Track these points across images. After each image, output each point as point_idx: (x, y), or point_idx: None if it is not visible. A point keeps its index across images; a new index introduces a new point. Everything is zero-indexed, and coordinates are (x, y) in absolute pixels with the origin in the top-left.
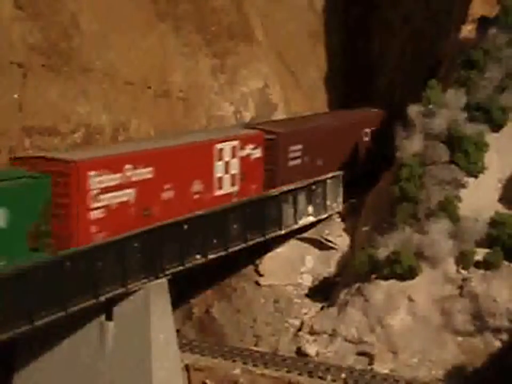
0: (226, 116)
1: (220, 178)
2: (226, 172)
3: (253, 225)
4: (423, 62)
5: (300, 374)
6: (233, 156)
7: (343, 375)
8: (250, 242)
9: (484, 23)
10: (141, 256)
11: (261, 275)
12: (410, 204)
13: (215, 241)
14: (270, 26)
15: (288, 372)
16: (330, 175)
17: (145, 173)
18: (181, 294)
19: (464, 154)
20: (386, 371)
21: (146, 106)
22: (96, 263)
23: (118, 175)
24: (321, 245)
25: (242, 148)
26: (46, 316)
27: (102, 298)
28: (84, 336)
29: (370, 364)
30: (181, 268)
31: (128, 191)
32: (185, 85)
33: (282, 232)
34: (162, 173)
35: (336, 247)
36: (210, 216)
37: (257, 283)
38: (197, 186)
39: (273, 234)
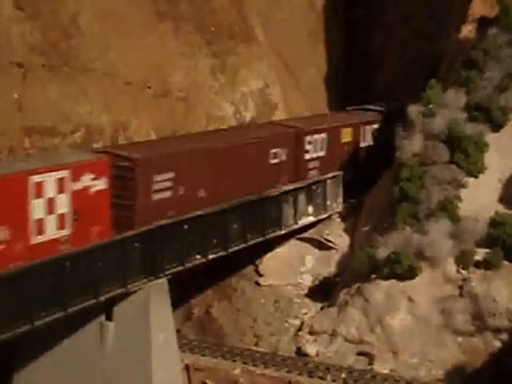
0: (227, 116)
1: (40, 221)
2: (50, 211)
3: (253, 225)
4: (423, 62)
5: (299, 374)
6: (61, 190)
7: (343, 375)
8: (250, 242)
9: (483, 23)
10: (141, 256)
11: (261, 275)
12: (410, 204)
13: (215, 241)
14: (270, 26)
15: (288, 371)
16: (330, 175)
17: None
18: (181, 294)
19: (464, 154)
20: (386, 371)
21: (146, 106)
22: (96, 263)
23: None
24: (321, 245)
25: (75, 179)
26: (46, 316)
27: (102, 298)
28: (84, 336)
29: (370, 364)
30: (181, 268)
31: None
32: (185, 85)
33: (282, 232)
34: None
35: (336, 247)
36: (210, 216)
37: (257, 283)
38: (0, 234)
39: (273, 234)
